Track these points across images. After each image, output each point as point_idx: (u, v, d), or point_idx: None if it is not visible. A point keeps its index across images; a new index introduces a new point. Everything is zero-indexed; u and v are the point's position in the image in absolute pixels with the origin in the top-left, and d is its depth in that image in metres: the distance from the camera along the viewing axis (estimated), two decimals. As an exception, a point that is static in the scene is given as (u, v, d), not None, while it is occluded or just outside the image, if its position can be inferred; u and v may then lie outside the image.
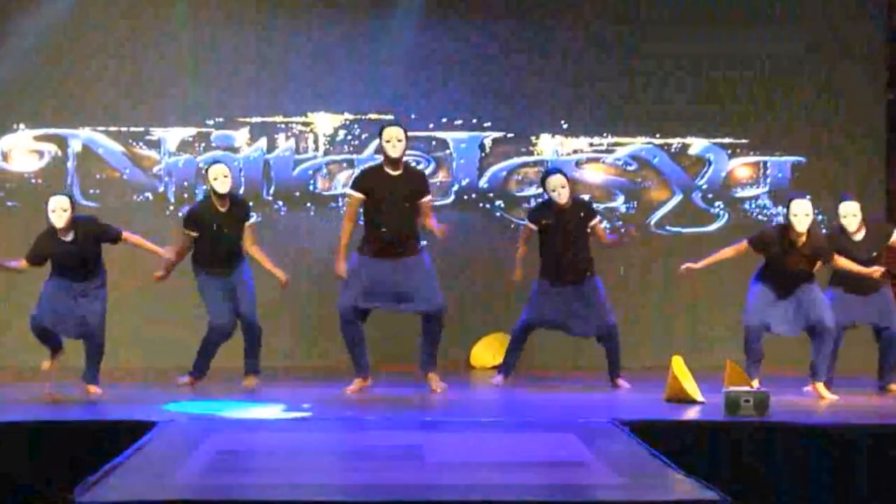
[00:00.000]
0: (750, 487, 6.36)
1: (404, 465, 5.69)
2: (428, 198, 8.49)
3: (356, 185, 8.37)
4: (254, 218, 8.92)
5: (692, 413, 7.52)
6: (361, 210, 8.41)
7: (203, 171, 8.79)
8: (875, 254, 8.64)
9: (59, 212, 8.14)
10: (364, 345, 8.43)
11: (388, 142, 8.22)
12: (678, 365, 8.04)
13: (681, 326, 11.03)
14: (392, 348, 10.19)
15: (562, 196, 8.86)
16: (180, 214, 9.62)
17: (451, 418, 7.35)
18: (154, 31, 11.12)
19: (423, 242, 8.58)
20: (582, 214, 8.98)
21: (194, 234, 8.62)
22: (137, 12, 11.11)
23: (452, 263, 10.95)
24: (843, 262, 8.42)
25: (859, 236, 8.61)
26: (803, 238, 8.30)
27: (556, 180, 8.89)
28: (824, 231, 8.98)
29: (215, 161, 9.15)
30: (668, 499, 5.04)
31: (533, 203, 11.03)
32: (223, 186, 8.58)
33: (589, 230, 8.99)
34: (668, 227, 11.38)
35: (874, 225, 8.77)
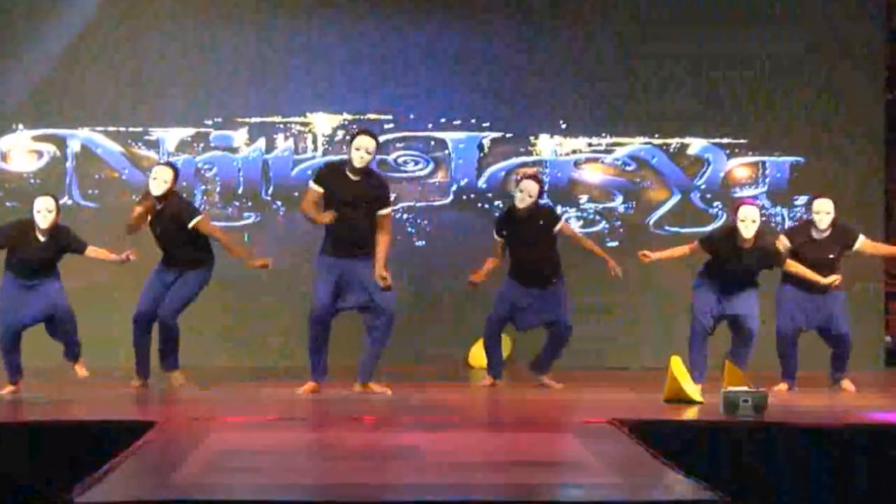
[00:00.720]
0: (749, 487, 6.36)
1: (404, 465, 5.69)
2: (387, 210, 8.28)
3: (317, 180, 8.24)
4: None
5: (691, 413, 7.51)
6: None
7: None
8: (832, 256, 8.69)
9: (44, 212, 8.13)
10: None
11: (357, 149, 8.12)
12: (677, 365, 8.04)
13: (680, 326, 10.99)
14: (391, 348, 10.17)
15: (521, 201, 8.82)
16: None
17: (450, 418, 7.35)
18: (153, 32, 11.12)
19: None
20: (542, 222, 8.93)
21: None
22: (137, 13, 11.11)
23: (451, 263, 10.97)
24: (795, 266, 8.55)
25: (824, 234, 8.68)
26: (750, 243, 8.39)
27: (524, 184, 8.88)
28: (782, 226, 9.04)
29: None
30: (667, 499, 5.04)
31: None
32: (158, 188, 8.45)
33: (555, 234, 8.93)
34: (666, 227, 11.39)
35: (842, 228, 8.81)
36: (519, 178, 9.15)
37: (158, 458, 5.77)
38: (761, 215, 11.23)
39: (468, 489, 5.11)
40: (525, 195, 8.79)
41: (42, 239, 8.18)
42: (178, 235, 8.42)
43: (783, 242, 8.78)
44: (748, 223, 8.40)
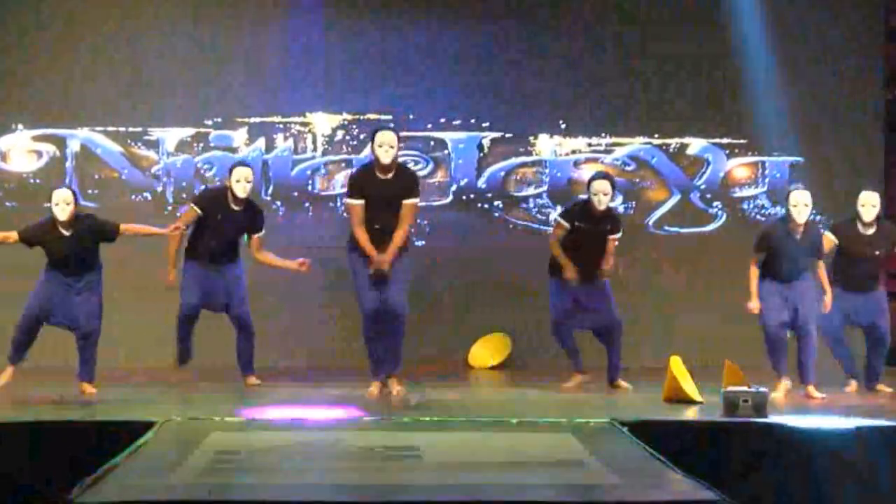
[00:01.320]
0: (748, 488, 6.36)
1: (403, 465, 5.69)
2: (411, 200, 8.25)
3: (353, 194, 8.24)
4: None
5: (691, 413, 7.52)
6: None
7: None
8: (878, 252, 8.69)
9: (62, 205, 8.18)
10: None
11: (380, 146, 8.16)
12: (677, 365, 8.04)
13: (680, 326, 11.02)
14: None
15: (602, 203, 8.78)
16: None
17: (449, 418, 7.35)
18: (153, 32, 11.12)
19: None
20: (609, 227, 8.88)
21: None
22: (137, 12, 11.10)
23: (451, 263, 10.98)
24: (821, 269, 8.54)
25: (871, 230, 8.68)
26: (802, 228, 8.41)
27: (599, 185, 8.77)
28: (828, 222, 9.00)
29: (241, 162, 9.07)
30: (667, 499, 5.04)
31: (532, 203, 11.09)
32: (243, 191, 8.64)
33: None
34: (666, 228, 11.38)
35: (887, 224, 8.86)
36: (588, 178, 9.03)
37: (158, 459, 5.77)
38: (761, 215, 11.34)
39: (468, 489, 5.12)
40: (602, 196, 8.72)
41: (66, 232, 8.21)
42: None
43: (829, 238, 8.77)
44: (801, 207, 8.39)
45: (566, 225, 8.82)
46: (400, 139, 8.28)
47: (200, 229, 8.68)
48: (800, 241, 8.45)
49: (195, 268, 8.72)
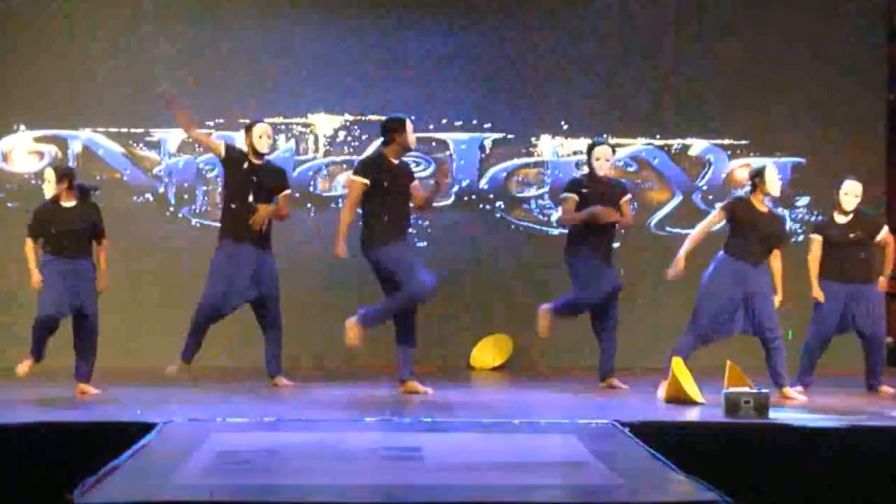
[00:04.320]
0: (750, 488, 6.36)
1: (404, 465, 5.69)
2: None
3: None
4: None
5: (692, 414, 7.52)
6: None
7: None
8: (852, 235, 8.72)
9: (45, 183, 8.35)
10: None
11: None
12: (678, 366, 8.04)
13: (682, 328, 10.99)
14: (392, 348, 10.19)
15: (602, 168, 8.87)
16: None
17: (451, 419, 7.35)
18: (155, 33, 11.12)
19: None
20: (617, 190, 9.01)
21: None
22: (138, 14, 11.11)
23: (452, 264, 10.97)
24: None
25: (847, 218, 8.71)
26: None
27: (601, 150, 8.92)
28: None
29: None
30: (669, 500, 5.04)
31: (534, 204, 11.10)
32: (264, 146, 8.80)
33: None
34: (668, 228, 11.38)
35: (869, 215, 8.92)
36: (588, 145, 9.12)
37: (158, 460, 5.77)
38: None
39: (470, 490, 5.11)
40: (602, 160, 8.86)
41: (68, 204, 8.36)
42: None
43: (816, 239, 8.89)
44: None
45: (575, 197, 8.85)
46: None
47: None
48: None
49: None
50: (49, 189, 8.32)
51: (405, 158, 8.59)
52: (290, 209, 9.01)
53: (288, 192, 8.93)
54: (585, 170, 9.14)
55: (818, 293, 8.74)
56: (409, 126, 8.36)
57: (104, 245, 8.45)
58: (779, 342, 8.30)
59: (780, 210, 11.21)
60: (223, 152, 8.75)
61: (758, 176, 8.43)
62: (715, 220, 8.53)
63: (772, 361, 8.31)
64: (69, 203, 8.34)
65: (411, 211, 8.48)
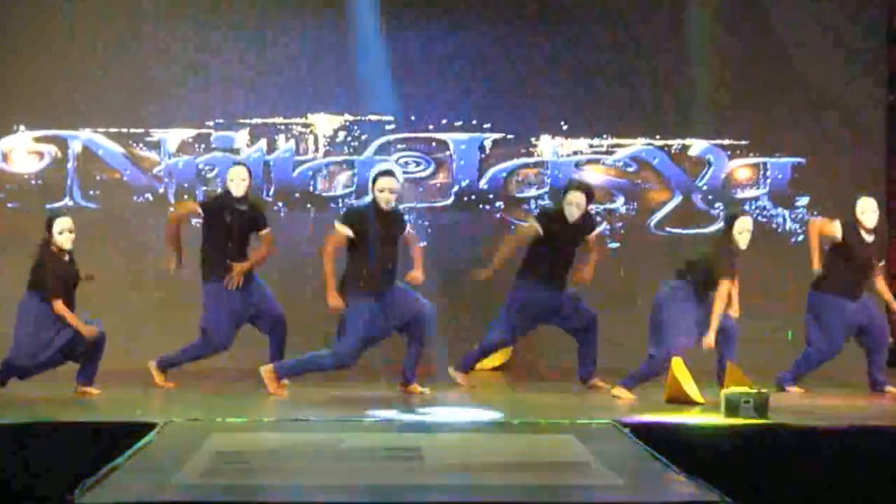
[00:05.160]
0: (750, 488, 6.36)
1: (404, 465, 5.69)
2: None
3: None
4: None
5: (692, 414, 7.52)
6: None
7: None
8: (872, 258, 8.68)
9: (66, 234, 8.15)
10: None
11: (381, 191, 8.27)
12: (678, 366, 8.04)
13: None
14: (394, 348, 10.18)
15: (571, 216, 8.80)
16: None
17: (451, 419, 7.35)
18: (155, 33, 11.11)
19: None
20: (587, 226, 8.95)
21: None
22: (138, 13, 11.10)
23: (452, 264, 10.96)
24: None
25: (872, 236, 8.65)
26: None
27: (572, 196, 8.81)
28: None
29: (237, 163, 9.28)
30: (669, 500, 5.04)
31: (534, 204, 11.09)
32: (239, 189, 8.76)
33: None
34: (668, 229, 11.37)
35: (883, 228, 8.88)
36: (566, 187, 9.07)
37: (159, 459, 5.77)
38: (763, 216, 11.34)
39: (469, 490, 5.12)
40: (573, 208, 8.78)
41: (66, 259, 8.22)
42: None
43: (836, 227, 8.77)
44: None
45: (539, 231, 8.87)
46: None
47: None
48: None
49: None
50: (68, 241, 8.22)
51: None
52: (273, 248, 9.03)
53: (266, 231, 8.95)
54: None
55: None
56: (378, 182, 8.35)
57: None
58: None
59: (778, 210, 11.23)
60: (200, 210, 8.87)
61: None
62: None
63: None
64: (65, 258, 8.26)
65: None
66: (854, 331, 8.73)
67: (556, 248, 8.85)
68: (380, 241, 8.26)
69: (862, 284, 8.69)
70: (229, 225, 8.74)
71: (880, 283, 8.72)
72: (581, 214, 8.80)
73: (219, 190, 9.29)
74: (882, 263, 8.78)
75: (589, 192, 8.90)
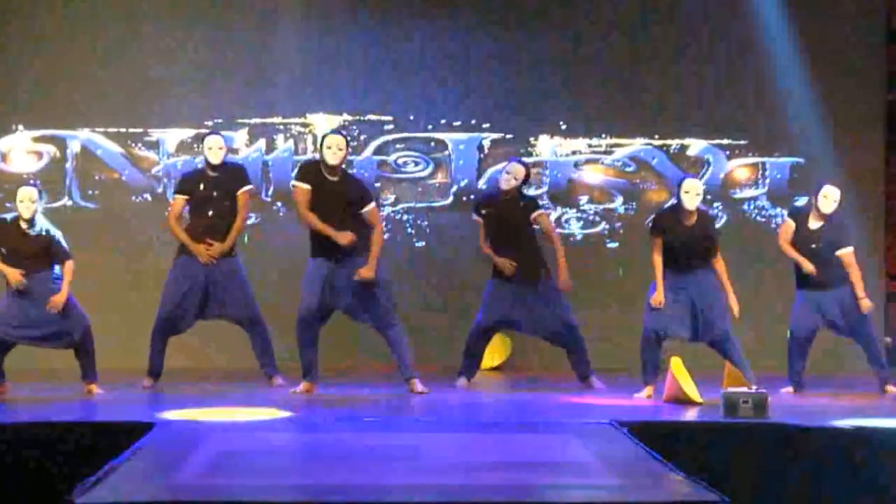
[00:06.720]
0: (749, 489, 6.36)
1: (402, 465, 5.69)
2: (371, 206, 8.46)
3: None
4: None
5: (691, 414, 7.52)
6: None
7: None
8: (814, 246, 8.67)
9: (26, 202, 8.15)
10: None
11: (328, 148, 8.26)
12: (677, 366, 8.04)
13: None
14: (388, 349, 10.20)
15: (508, 182, 8.83)
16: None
17: (449, 419, 7.35)
18: (153, 32, 11.12)
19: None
20: (522, 204, 8.94)
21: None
22: (137, 13, 11.10)
23: (452, 264, 10.97)
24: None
25: (820, 223, 8.66)
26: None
27: (510, 166, 8.91)
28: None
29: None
30: (668, 500, 5.04)
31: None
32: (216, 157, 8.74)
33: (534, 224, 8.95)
34: (667, 229, 11.36)
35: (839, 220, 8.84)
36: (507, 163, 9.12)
37: (159, 459, 5.77)
38: (762, 216, 11.34)
39: (468, 490, 5.12)
40: (509, 176, 8.80)
41: (31, 231, 8.19)
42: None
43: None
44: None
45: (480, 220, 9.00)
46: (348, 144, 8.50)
47: None
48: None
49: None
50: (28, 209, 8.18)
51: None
52: (250, 207, 8.99)
53: (243, 190, 8.88)
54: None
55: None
56: (326, 139, 8.39)
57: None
58: None
59: (777, 210, 11.24)
60: (182, 197, 8.80)
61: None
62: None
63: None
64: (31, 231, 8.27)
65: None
66: (827, 322, 8.75)
67: (492, 228, 8.92)
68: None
69: (823, 273, 8.66)
70: (203, 194, 8.71)
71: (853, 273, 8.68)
72: (516, 187, 8.81)
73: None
74: (843, 251, 8.72)
75: (527, 167, 9.00)
